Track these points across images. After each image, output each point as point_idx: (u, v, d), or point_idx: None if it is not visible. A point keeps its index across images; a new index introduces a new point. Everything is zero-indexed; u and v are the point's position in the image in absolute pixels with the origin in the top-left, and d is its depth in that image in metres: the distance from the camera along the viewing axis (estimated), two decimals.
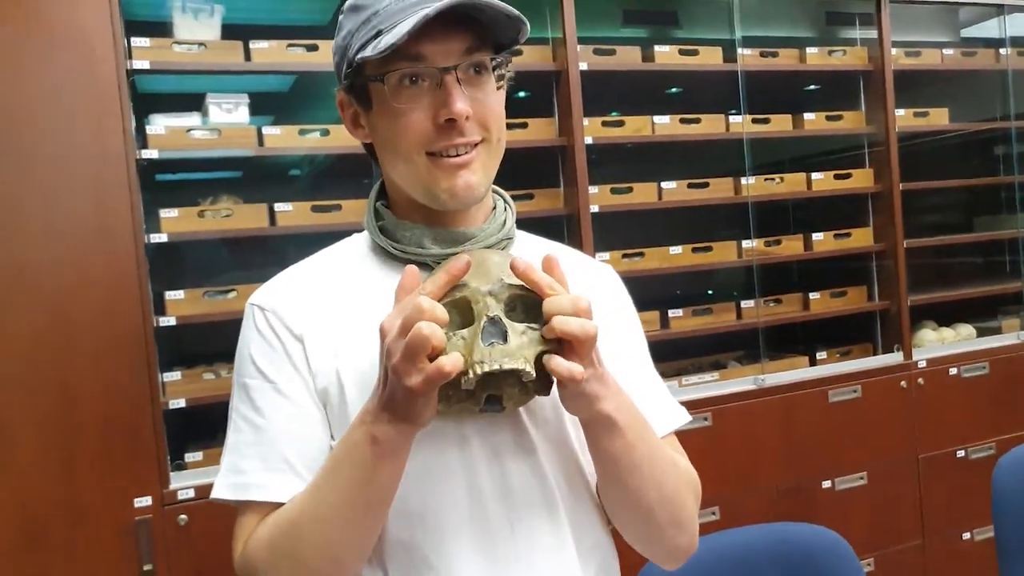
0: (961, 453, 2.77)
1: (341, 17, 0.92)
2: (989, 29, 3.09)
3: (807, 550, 1.47)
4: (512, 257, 0.81)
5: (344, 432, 0.84)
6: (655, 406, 0.99)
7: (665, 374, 2.67)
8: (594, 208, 2.35)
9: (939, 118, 2.88)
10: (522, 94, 2.56)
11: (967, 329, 2.93)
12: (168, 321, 1.99)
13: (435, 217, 0.94)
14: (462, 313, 0.79)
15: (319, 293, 0.94)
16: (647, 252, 2.47)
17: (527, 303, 0.80)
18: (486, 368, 0.75)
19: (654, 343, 2.65)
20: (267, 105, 2.51)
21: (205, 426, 2.21)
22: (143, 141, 2.00)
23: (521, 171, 2.48)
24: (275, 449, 0.87)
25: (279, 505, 0.86)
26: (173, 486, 1.92)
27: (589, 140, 2.35)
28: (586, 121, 2.35)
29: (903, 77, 2.76)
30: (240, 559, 0.89)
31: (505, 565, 0.88)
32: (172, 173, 2.38)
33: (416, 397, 0.75)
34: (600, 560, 0.96)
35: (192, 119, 2.13)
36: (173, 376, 2.01)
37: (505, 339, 0.77)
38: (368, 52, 0.83)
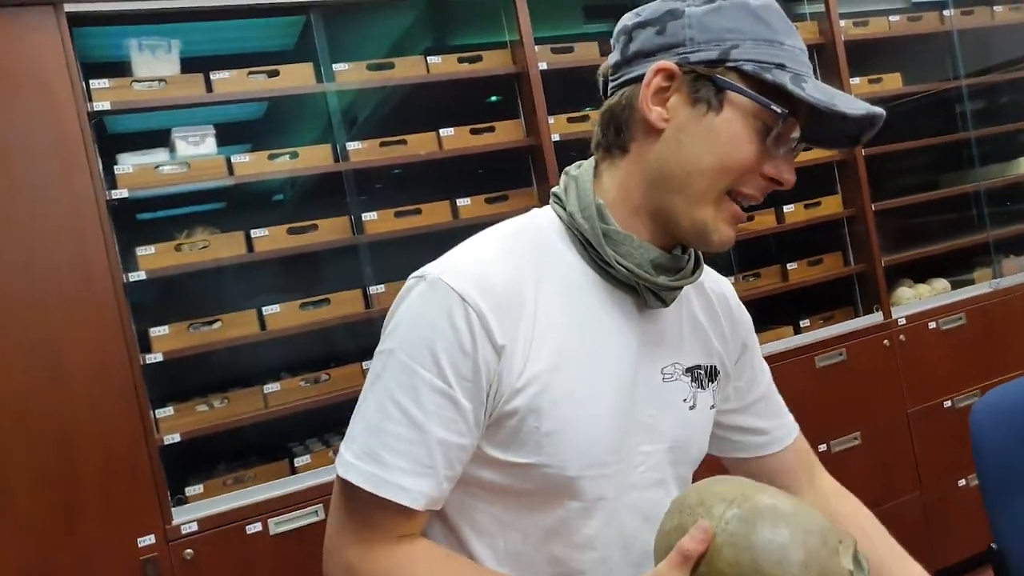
0: (948, 403, 2.83)
1: (724, 5, 0.83)
2: None
3: None
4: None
5: (534, 469, 0.85)
6: (787, 418, 1.13)
7: None
8: None
9: (893, 83, 2.94)
10: (494, 99, 2.59)
11: (942, 283, 2.99)
12: (155, 357, 1.99)
13: (655, 237, 0.89)
14: None
15: (526, 297, 0.85)
16: None
17: None
18: None
19: None
20: (241, 134, 2.52)
21: (203, 458, 2.22)
22: (112, 181, 2.01)
23: (493, 174, 2.51)
24: (431, 456, 0.81)
25: (411, 512, 0.82)
26: (176, 521, 1.93)
27: (556, 137, 2.38)
28: (552, 119, 2.38)
29: (855, 47, 2.82)
30: (339, 564, 0.84)
31: None
32: (150, 211, 2.38)
33: None
34: None
35: (160, 155, 2.14)
36: (166, 412, 2.01)
37: None
38: (789, 85, 0.80)
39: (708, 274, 1.04)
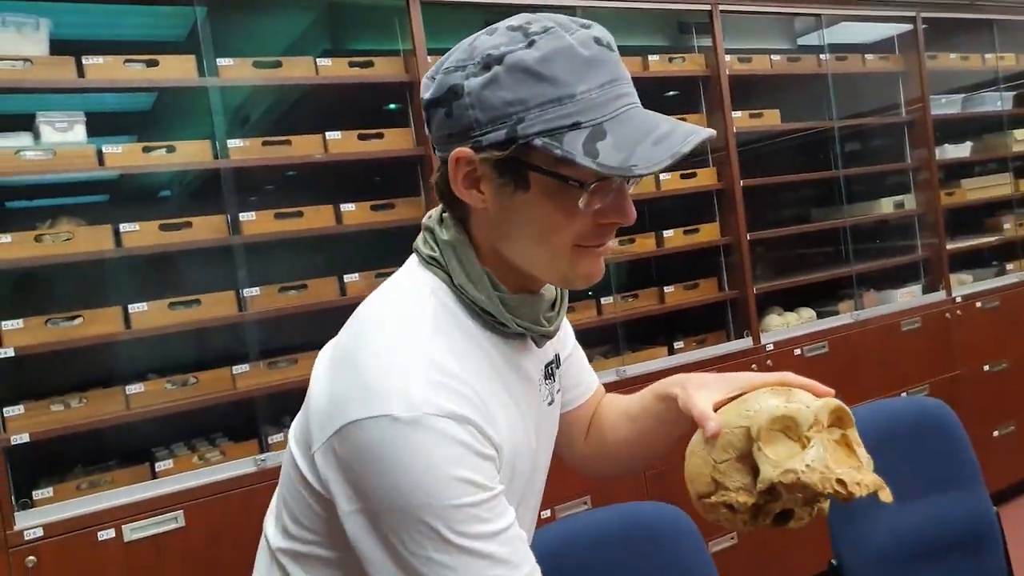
0: None
1: (498, 70, 0.78)
2: (817, 38, 3.35)
3: (651, 526, 1.56)
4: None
5: None
6: (590, 371, 1.22)
7: None
8: None
9: (772, 119, 3.10)
10: (392, 107, 2.58)
11: (808, 312, 3.16)
12: (5, 352, 1.88)
13: (530, 285, 0.92)
14: (779, 441, 0.82)
15: (477, 391, 0.83)
16: None
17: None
18: (867, 483, 0.79)
19: None
20: (122, 126, 2.42)
21: (57, 459, 2.11)
22: None
23: (380, 181, 2.50)
24: (523, 541, 0.83)
25: None
26: (19, 527, 1.82)
27: None
28: None
29: (739, 82, 2.95)
30: None
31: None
32: (10, 199, 2.26)
33: None
34: None
35: (23, 139, 2.03)
36: (15, 410, 1.90)
37: (860, 458, 0.83)
38: (582, 158, 0.76)
39: None
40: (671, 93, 3.12)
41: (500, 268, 0.89)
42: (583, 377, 1.19)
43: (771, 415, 0.80)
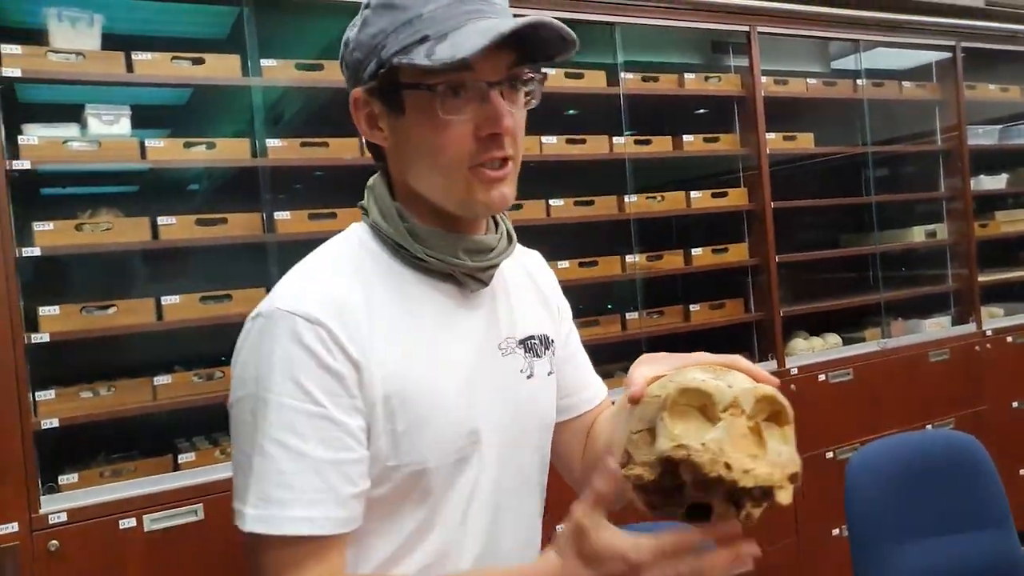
0: (830, 454, 2.96)
1: (367, 12, 0.89)
2: (853, 62, 3.35)
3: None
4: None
5: (398, 463, 0.87)
6: (595, 380, 1.17)
7: None
8: None
9: (806, 142, 3.09)
10: None
11: (834, 338, 3.14)
12: (41, 338, 1.91)
13: (457, 226, 0.94)
14: (695, 416, 0.74)
15: (362, 305, 0.87)
16: None
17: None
18: (757, 473, 0.69)
19: None
20: (158, 118, 2.46)
21: (83, 446, 2.14)
22: (15, 151, 1.93)
23: None
24: (323, 479, 0.81)
25: (325, 539, 0.81)
26: (44, 510, 1.85)
27: None
28: None
29: (773, 103, 2.95)
30: None
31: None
32: (53, 187, 2.30)
33: None
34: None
35: (70, 130, 2.07)
36: (47, 395, 1.94)
37: (766, 451, 0.72)
38: (420, 59, 0.82)
39: (520, 251, 1.10)
40: (702, 111, 3.13)
41: (417, 205, 0.93)
42: (586, 381, 1.15)
43: (684, 386, 0.73)
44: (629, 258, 2.71)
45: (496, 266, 0.97)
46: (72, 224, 2.01)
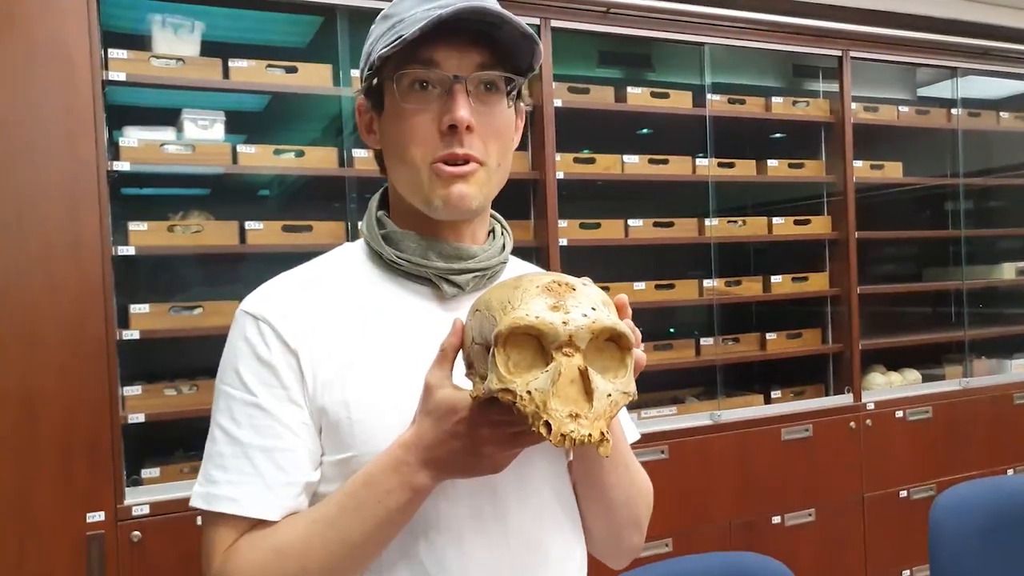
0: (904, 493, 2.86)
1: (373, 27, 0.95)
2: (942, 90, 3.24)
3: None
4: (597, 291, 0.76)
5: (353, 460, 0.86)
6: (623, 416, 1.06)
7: (625, 407, 2.70)
8: (563, 241, 2.40)
9: (894, 171, 3.00)
10: None
11: (913, 374, 3.03)
12: (132, 335, 1.97)
13: (437, 231, 0.95)
14: (530, 345, 0.72)
15: (317, 304, 0.92)
16: (612, 287, 2.51)
17: (599, 348, 0.73)
18: (574, 437, 0.68)
19: None
20: (241, 124, 2.52)
21: (164, 442, 2.19)
22: (115, 153, 2.00)
23: (494, 202, 2.52)
24: (251, 463, 0.86)
25: (252, 521, 0.85)
26: (128, 502, 1.90)
27: (561, 175, 2.41)
28: (558, 156, 2.41)
29: (861, 130, 2.87)
30: (218, 574, 0.86)
31: (502, 571, 0.89)
32: (145, 187, 2.36)
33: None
34: (578, 567, 0.99)
35: (167, 133, 2.13)
36: (134, 390, 1.99)
37: (590, 399, 0.70)
38: (385, 50, 0.87)
39: (522, 267, 1.10)
40: (785, 136, 3.07)
41: (401, 210, 0.97)
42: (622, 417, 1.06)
43: (515, 323, 0.70)
44: (707, 283, 2.67)
45: (475, 272, 0.95)
46: (165, 225, 2.07)
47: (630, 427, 1.08)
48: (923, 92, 3.33)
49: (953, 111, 3.11)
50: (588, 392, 0.70)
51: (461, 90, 0.88)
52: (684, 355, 2.65)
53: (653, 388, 2.77)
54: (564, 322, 0.71)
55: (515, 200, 2.48)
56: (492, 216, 1.04)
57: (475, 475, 0.81)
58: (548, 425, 0.68)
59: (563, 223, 2.41)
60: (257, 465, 0.86)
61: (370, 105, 0.96)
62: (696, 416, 2.58)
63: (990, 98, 3.47)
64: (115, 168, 1.97)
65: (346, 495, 0.83)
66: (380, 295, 0.94)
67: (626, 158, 2.56)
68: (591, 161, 2.51)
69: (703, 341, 2.68)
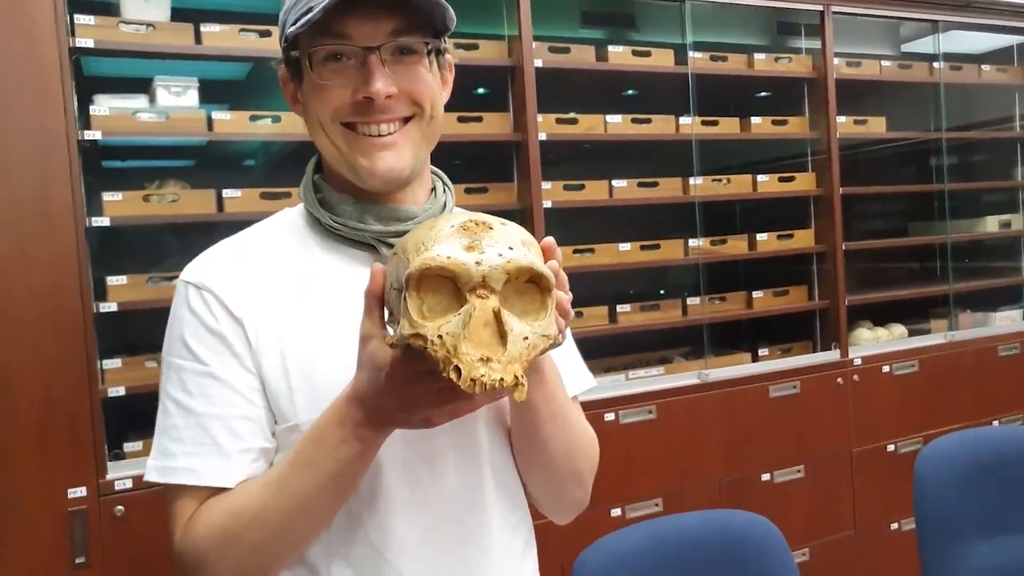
0: (891, 447, 2.89)
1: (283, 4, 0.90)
2: (925, 45, 3.22)
3: (741, 536, 1.51)
4: (519, 230, 0.73)
5: (296, 429, 0.85)
6: (569, 367, 1.02)
7: (613, 368, 2.70)
8: (547, 203, 2.37)
9: (877, 127, 2.99)
10: (481, 91, 2.57)
11: (900, 329, 3.04)
12: (109, 307, 1.94)
13: (371, 196, 0.93)
14: (446, 288, 0.69)
15: (258, 271, 0.91)
16: (597, 248, 2.50)
17: (519, 290, 0.71)
18: (484, 381, 0.65)
19: (602, 338, 2.68)
20: (221, 92, 2.46)
21: (146, 415, 2.14)
22: (86, 122, 1.95)
23: (476, 164, 2.49)
24: (207, 433, 0.85)
25: (212, 489, 0.85)
26: (110, 476, 1.88)
27: (543, 136, 2.37)
28: (540, 118, 2.37)
29: (844, 86, 2.85)
30: (181, 544, 0.85)
31: (443, 537, 0.90)
32: (120, 159, 2.32)
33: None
34: (526, 534, 1.00)
35: (139, 101, 2.08)
36: (113, 363, 1.96)
37: (504, 342, 0.67)
38: (293, 28, 0.84)
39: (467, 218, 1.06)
40: (763, 94, 3.04)
41: (335, 175, 0.94)
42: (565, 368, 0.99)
43: (425, 264, 0.68)
44: (692, 242, 2.65)
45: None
46: (140, 195, 2.03)
47: (582, 376, 1.06)
48: (906, 48, 3.31)
49: (935, 65, 3.09)
50: (503, 335, 0.68)
51: (375, 61, 0.86)
52: (671, 315, 2.64)
53: (640, 348, 2.76)
54: (477, 262, 0.68)
55: (497, 162, 2.44)
56: (433, 173, 1.02)
57: (413, 428, 0.80)
58: (458, 370, 0.66)
59: (547, 185, 2.39)
60: (213, 434, 0.85)
61: (291, 75, 0.93)
62: (684, 376, 2.58)
63: (972, 52, 3.45)
64: (87, 137, 1.92)
65: (297, 452, 0.83)
66: (319, 261, 0.93)
67: (609, 118, 2.53)
68: (574, 122, 2.48)
69: (690, 301, 2.67)
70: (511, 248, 0.70)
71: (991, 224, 3.27)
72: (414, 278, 0.68)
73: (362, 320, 0.78)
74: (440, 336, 0.67)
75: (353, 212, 0.92)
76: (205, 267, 0.91)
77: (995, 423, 3.05)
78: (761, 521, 1.55)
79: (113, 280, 1.97)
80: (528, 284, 0.71)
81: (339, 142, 0.89)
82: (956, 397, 3.02)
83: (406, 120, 0.90)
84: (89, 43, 1.92)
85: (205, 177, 2.24)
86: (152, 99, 2.09)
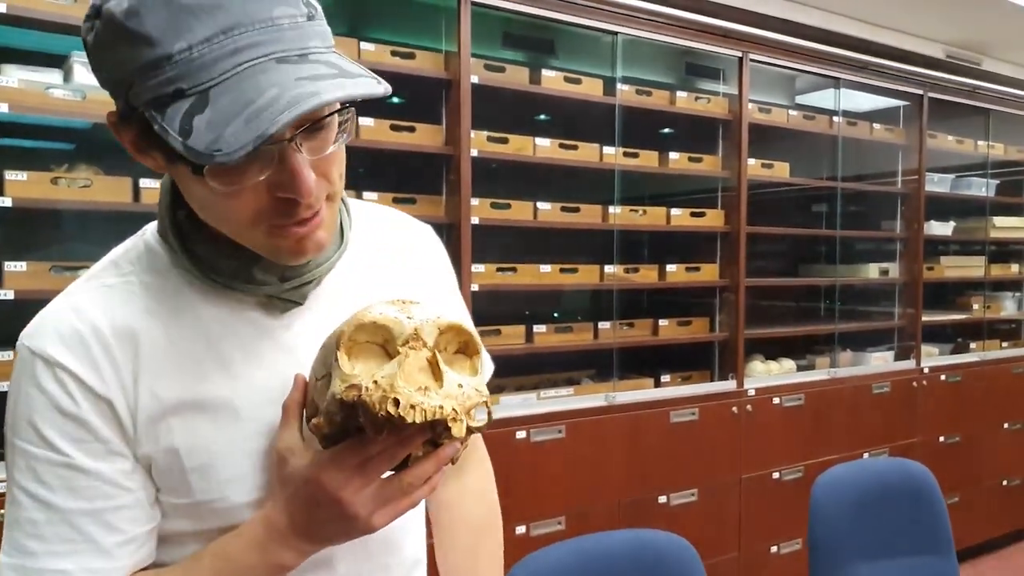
0: (776, 475, 3.05)
1: (100, 29, 0.65)
2: (819, 99, 3.45)
3: (661, 555, 1.57)
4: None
5: (193, 506, 0.77)
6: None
7: (524, 387, 2.72)
8: (474, 220, 2.38)
9: (782, 171, 3.18)
10: (395, 100, 2.55)
11: (789, 363, 3.23)
12: (5, 294, 1.80)
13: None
14: (377, 354, 0.69)
15: (124, 335, 0.75)
16: (519, 268, 2.53)
17: (449, 360, 0.71)
18: (424, 407, 0.64)
19: (518, 356, 2.70)
20: None
21: None
22: None
23: (405, 174, 2.47)
24: (75, 529, 0.72)
25: None
26: None
27: (475, 152, 2.38)
28: (473, 134, 2.38)
29: (754, 130, 3.01)
30: None
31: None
32: (29, 137, 2.15)
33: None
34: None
35: (53, 76, 1.95)
36: (6, 355, 1.82)
37: (440, 382, 0.67)
38: (174, 139, 0.62)
39: (395, 223, 0.95)
40: (678, 130, 3.17)
41: (212, 228, 0.76)
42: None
43: (360, 322, 0.67)
44: (608, 268, 2.73)
45: (312, 282, 0.81)
46: (48, 177, 1.89)
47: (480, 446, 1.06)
48: (800, 100, 3.53)
49: (835, 119, 3.31)
50: (436, 377, 0.67)
51: (293, 154, 0.67)
52: (583, 338, 2.70)
53: (551, 368, 2.81)
54: (408, 317, 0.68)
55: (427, 174, 2.43)
56: None
57: (352, 538, 0.74)
58: (396, 402, 0.63)
59: (475, 201, 2.39)
60: (84, 530, 0.73)
61: (139, 135, 0.68)
62: (592, 397, 2.64)
63: (857, 110, 3.73)
64: None
65: (201, 568, 0.75)
66: (200, 317, 0.78)
67: (538, 141, 2.57)
68: (504, 141, 2.50)
69: (601, 325, 2.74)
70: (439, 316, 0.70)
71: (873, 271, 3.53)
72: (346, 335, 0.67)
73: (279, 434, 0.72)
74: (375, 381, 0.65)
75: (238, 268, 0.77)
76: (55, 334, 0.73)
77: (865, 455, 3.29)
78: (680, 541, 1.62)
79: (12, 266, 1.83)
80: (456, 355, 0.71)
81: (259, 238, 0.72)
82: (834, 430, 3.23)
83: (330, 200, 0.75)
84: (1, 8, 1.79)
85: (118, 164, 2.12)
86: (67, 76, 1.96)
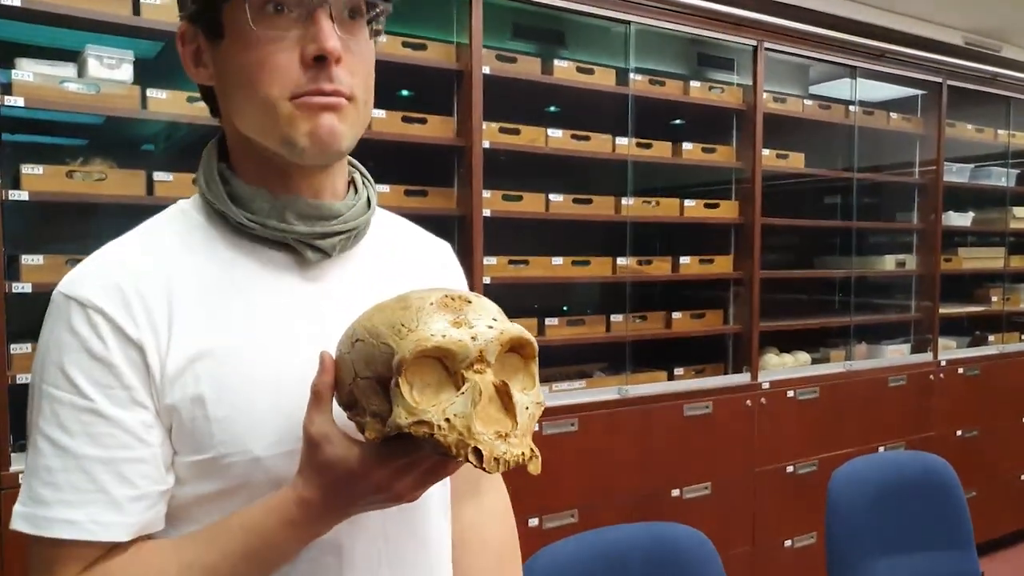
0: (790, 468, 3.04)
1: None
2: (834, 89, 3.41)
3: (678, 548, 1.57)
4: (490, 302, 0.71)
5: (213, 461, 0.76)
6: None
7: None
8: (486, 212, 2.38)
9: (797, 162, 3.15)
10: (407, 92, 2.54)
11: (804, 356, 3.21)
12: (23, 288, 1.82)
13: (291, 186, 0.83)
14: (433, 368, 0.67)
15: (158, 282, 0.77)
16: (531, 260, 2.52)
17: (500, 360, 0.69)
18: (507, 459, 0.64)
19: None
20: (154, 70, 2.35)
21: None
22: (7, 87, 1.82)
23: (416, 166, 2.47)
24: (90, 478, 0.72)
25: (98, 547, 0.73)
26: (15, 468, 1.76)
27: (486, 144, 2.38)
28: (484, 125, 2.38)
29: (769, 120, 2.99)
30: None
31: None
32: (42, 132, 2.17)
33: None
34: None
35: (67, 70, 1.96)
36: (23, 348, 1.83)
37: (511, 415, 0.66)
38: None
39: (422, 239, 1.00)
40: (691, 120, 3.15)
41: (247, 162, 0.83)
42: None
43: (420, 345, 0.64)
44: (621, 260, 2.71)
45: (343, 234, 0.84)
46: (63, 170, 1.91)
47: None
48: (814, 90, 3.50)
49: (851, 108, 3.28)
50: (508, 408, 0.66)
51: (325, 15, 0.76)
52: (595, 331, 2.69)
53: (563, 362, 2.80)
54: (472, 337, 0.65)
55: (438, 166, 2.43)
56: (351, 164, 0.91)
57: (372, 508, 0.76)
58: (477, 451, 0.63)
59: (486, 194, 2.39)
60: (98, 480, 0.72)
61: (200, 31, 0.80)
62: (605, 390, 2.63)
63: (874, 100, 3.68)
64: (7, 103, 1.80)
65: (231, 539, 0.74)
66: (230, 267, 0.81)
67: (550, 132, 2.56)
68: (516, 132, 2.49)
69: (613, 318, 2.73)
70: (495, 319, 0.68)
71: (889, 263, 3.50)
72: (408, 362, 0.64)
73: (308, 415, 0.71)
74: (448, 420, 0.63)
75: (271, 209, 0.81)
76: (91, 280, 0.75)
77: (881, 449, 3.26)
78: (697, 535, 1.61)
79: (29, 259, 1.85)
80: (509, 353, 0.69)
81: (282, 115, 0.77)
82: (849, 424, 3.21)
83: (345, 97, 0.80)
84: (16, 1, 1.80)
85: (132, 158, 2.13)
86: (82, 70, 1.98)
